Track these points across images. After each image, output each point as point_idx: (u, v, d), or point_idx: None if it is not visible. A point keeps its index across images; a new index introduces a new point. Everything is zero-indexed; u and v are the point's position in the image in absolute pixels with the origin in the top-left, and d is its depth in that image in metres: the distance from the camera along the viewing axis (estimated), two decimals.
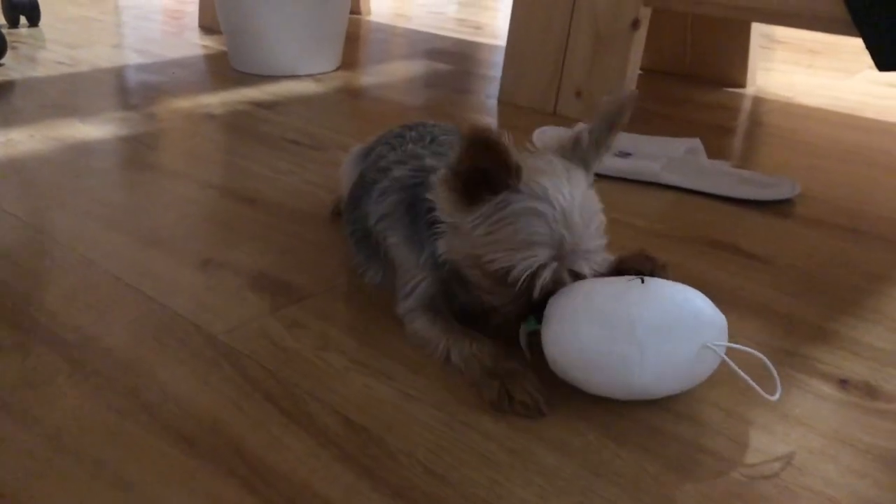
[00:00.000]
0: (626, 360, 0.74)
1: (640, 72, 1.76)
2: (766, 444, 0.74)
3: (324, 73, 2.05)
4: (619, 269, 0.88)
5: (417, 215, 0.90)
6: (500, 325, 0.84)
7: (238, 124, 1.67)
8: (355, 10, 2.79)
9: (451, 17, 3.00)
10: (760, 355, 0.77)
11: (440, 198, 0.83)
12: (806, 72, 2.22)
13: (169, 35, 2.54)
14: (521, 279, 0.78)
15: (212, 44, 2.37)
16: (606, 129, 0.84)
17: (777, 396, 0.75)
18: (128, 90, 1.97)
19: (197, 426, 0.75)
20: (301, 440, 0.74)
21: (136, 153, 1.49)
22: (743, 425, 0.77)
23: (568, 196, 0.79)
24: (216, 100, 1.81)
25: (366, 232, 0.98)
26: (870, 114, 1.81)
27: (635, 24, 1.61)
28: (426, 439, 0.74)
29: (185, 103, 1.79)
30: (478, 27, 2.80)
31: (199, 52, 2.31)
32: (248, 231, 1.16)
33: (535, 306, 0.81)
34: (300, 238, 1.14)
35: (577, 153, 0.85)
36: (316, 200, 1.27)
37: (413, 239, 0.91)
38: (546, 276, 0.78)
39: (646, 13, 1.63)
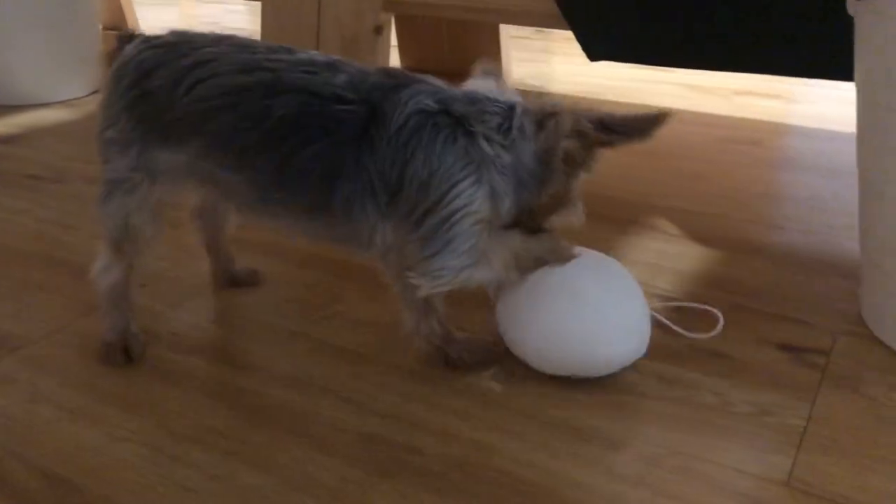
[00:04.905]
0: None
1: None
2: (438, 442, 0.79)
3: (78, 99, 1.95)
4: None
5: None
6: None
7: None
8: (120, 26, 2.67)
9: (229, 27, 2.94)
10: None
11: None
12: (560, 60, 2.35)
13: None
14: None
15: None
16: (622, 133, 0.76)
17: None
18: None
19: None
20: None
21: None
22: (442, 417, 0.81)
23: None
24: None
25: None
26: (609, 97, 1.95)
27: (378, 30, 1.65)
28: (129, 480, 0.74)
29: None
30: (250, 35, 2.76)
31: None
32: None
33: None
34: (23, 282, 1.09)
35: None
36: (48, 239, 1.22)
37: None
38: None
39: (387, 18, 1.67)
